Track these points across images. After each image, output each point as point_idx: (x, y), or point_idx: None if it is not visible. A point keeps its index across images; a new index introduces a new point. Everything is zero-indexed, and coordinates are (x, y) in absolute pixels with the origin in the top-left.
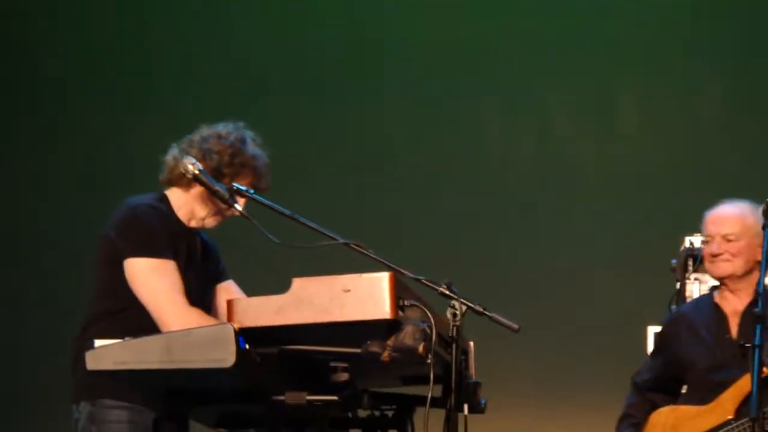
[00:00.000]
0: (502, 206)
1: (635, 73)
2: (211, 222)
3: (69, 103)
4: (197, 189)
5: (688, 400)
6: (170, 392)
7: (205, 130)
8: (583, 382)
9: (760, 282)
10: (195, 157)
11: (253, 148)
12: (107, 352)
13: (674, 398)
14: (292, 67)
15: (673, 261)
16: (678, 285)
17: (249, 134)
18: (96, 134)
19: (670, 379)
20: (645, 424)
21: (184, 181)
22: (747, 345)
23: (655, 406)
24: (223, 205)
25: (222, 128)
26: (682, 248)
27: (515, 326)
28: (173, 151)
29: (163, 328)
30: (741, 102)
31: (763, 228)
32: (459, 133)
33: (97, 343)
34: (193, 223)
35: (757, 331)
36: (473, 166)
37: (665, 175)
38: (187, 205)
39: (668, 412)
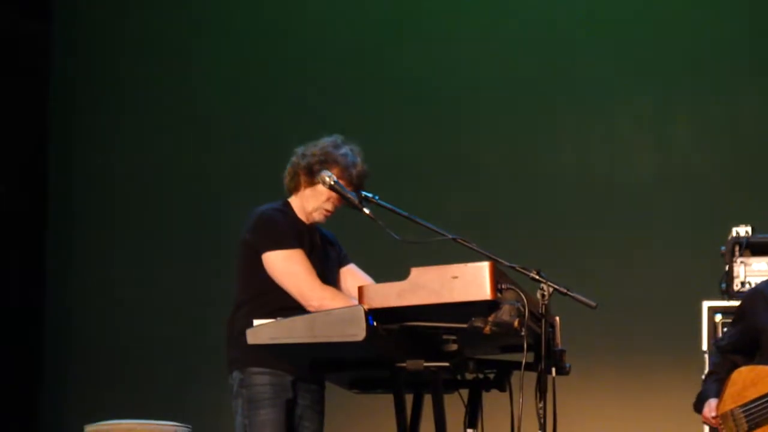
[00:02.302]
0: (577, 198)
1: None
2: (317, 216)
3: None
4: (303, 191)
5: (764, 361)
6: (313, 361)
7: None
8: (649, 349)
9: None
10: (296, 164)
11: (345, 150)
12: (263, 330)
13: (751, 359)
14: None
15: (722, 248)
16: (726, 267)
17: (343, 141)
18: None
19: (748, 343)
20: (727, 380)
21: (294, 186)
22: None
23: (735, 365)
24: (323, 202)
25: (322, 139)
26: (730, 237)
27: (593, 303)
28: (288, 166)
29: (304, 303)
30: None
31: None
32: (537, 132)
33: (255, 322)
34: (308, 220)
35: None
36: (551, 165)
37: (716, 174)
38: (301, 204)
39: (748, 371)
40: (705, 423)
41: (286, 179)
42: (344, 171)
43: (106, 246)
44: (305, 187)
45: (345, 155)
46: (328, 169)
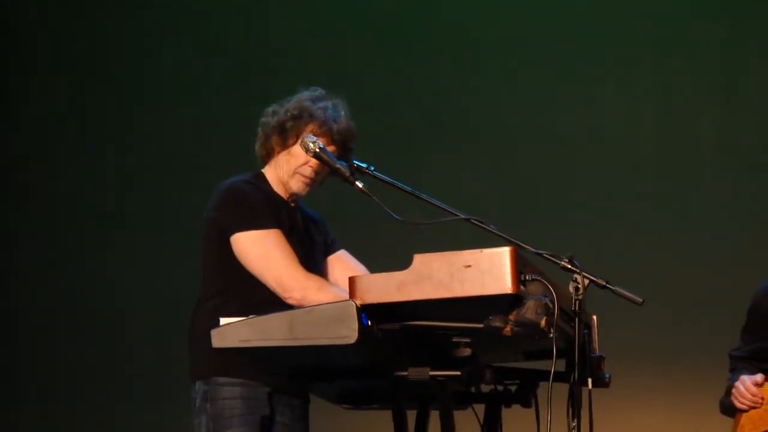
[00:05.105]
0: (622, 177)
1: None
2: (294, 184)
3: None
4: (277, 156)
5: None
6: (294, 369)
7: None
8: (705, 356)
9: None
10: (266, 124)
11: (325, 103)
12: (232, 330)
13: None
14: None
15: None
16: None
17: (325, 95)
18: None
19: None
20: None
21: (266, 153)
22: None
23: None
24: (300, 165)
25: (299, 93)
26: None
27: (639, 299)
28: (258, 130)
29: (284, 295)
30: None
31: None
32: (576, 104)
33: (222, 320)
34: (287, 192)
35: None
36: (591, 137)
37: None
38: (276, 174)
39: None
40: (740, 404)
41: (257, 145)
42: (323, 126)
43: (56, 251)
44: (279, 151)
45: (324, 108)
46: (302, 124)
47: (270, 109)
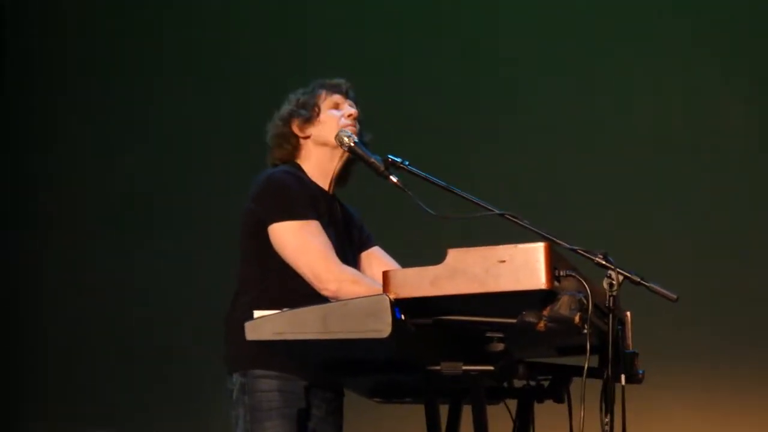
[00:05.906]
0: (654, 173)
1: None
2: (337, 164)
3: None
4: (314, 138)
5: None
6: (326, 362)
7: None
8: (741, 353)
9: None
10: (277, 126)
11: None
12: (266, 323)
13: None
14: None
15: None
16: None
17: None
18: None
19: None
20: None
21: (296, 144)
22: None
23: None
24: (340, 119)
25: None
26: None
27: (673, 296)
28: (273, 131)
29: (319, 286)
30: None
31: None
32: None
33: (257, 313)
34: (327, 179)
35: None
36: (623, 132)
37: None
38: (316, 162)
39: None
40: None
41: (280, 153)
42: (331, 87)
43: (79, 244)
44: (308, 135)
45: (316, 83)
46: (315, 96)
47: (273, 122)
